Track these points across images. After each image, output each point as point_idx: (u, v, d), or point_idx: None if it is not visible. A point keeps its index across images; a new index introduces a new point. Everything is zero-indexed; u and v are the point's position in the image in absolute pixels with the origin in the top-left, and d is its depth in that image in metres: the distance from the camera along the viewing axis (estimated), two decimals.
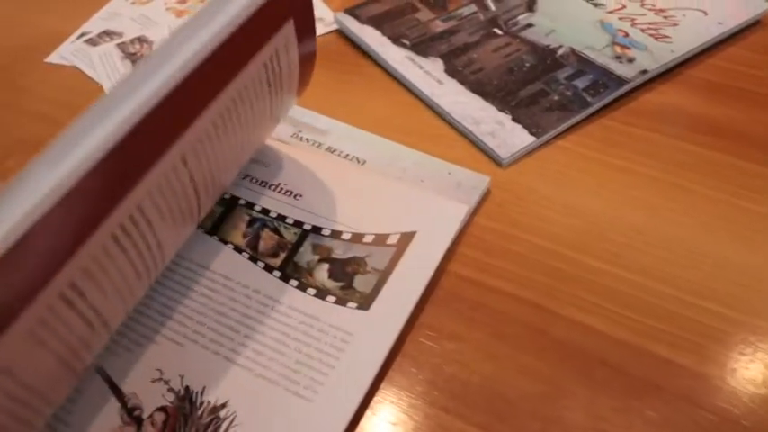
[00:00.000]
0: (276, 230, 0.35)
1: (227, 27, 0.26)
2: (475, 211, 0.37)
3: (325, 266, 0.33)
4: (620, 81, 0.42)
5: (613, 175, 0.38)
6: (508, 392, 0.29)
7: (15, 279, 0.21)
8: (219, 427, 0.28)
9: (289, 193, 0.37)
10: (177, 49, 0.25)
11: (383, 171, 0.38)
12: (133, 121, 0.23)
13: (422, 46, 0.47)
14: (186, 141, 0.27)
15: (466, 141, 0.41)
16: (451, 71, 0.44)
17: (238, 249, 0.35)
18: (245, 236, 0.35)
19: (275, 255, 0.34)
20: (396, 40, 0.47)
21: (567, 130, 0.41)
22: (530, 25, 0.47)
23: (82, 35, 0.52)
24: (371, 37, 0.48)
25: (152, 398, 0.29)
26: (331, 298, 0.32)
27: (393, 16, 0.49)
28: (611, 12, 0.48)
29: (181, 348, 0.31)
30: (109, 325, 0.27)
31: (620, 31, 0.46)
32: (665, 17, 0.47)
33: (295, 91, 0.35)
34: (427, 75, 0.44)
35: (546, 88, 0.42)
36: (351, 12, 0.50)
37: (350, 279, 0.33)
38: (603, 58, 0.44)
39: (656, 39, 0.45)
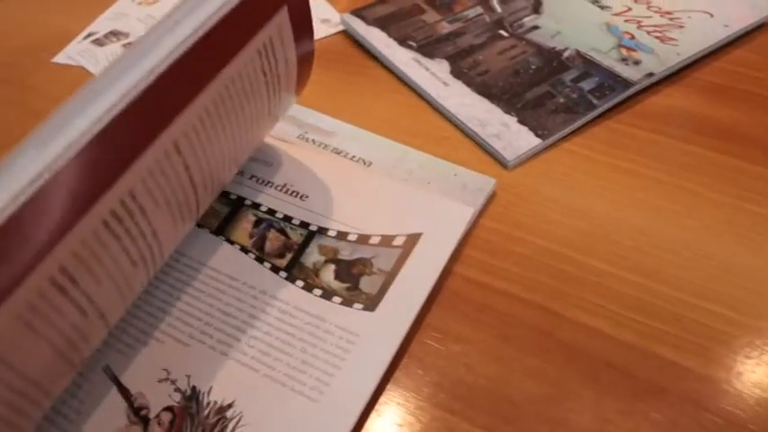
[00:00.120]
0: (282, 231, 0.35)
1: (217, 12, 0.26)
2: (480, 213, 0.37)
3: (332, 267, 0.34)
4: (626, 83, 0.42)
5: (619, 177, 0.38)
6: (514, 394, 0.29)
7: (2, 261, 0.21)
8: (226, 427, 0.28)
9: (295, 194, 0.37)
10: (167, 33, 0.25)
11: (389, 172, 0.38)
12: (122, 105, 0.23)
13: (428, 48, 0.47)
14: (178, 127, 0.26)
15: (471, 143, 0.41)
16: (457, 73, 0.44)
17: (245, 250, 0.35)
18: (251, 236, 0.35)
19: (281, 255, 0.34)
20: (402, 41, 0.47)
21: (573, 133, 0.41)
22: (535, 27, 0.48)
23: (89, 35, 0.52)
24: (378, 38, 0.48)
25: (159, 398, 0.30)
26: (337, 299, 0.32)
27: (399, 18, 0.49)
28: (617, 14, 0.48)
29: (187, 348, 0.31)
30: (105, 316, 0.27)
31: (627, 33, 0.46)
32: (672, 19, 0.47)
33: (294, 88, 0.35)
34: (433, 76, 0.44)
35: (552, 90, 0.42)
36: (357, 13, 0.50)
37: (356, 280, 0.33)
38: (609, 61, 0.44)
39: (663, 41, 0.45)
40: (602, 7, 0.49)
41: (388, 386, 0.30)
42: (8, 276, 0.21)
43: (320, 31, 0.51)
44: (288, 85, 0.34)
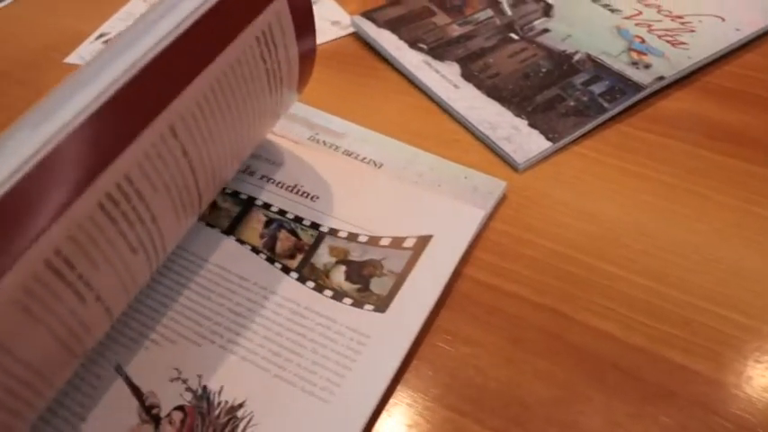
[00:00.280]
0: (293, 232, 0.36)
1: None
2: (491, 216, 0.37)
3: (342, 268, 0.34)
4: (637, 87, 0.42)
5: (629, 180, 0.38)
6: (524, 397, 0.30)
7: None
8: (237, 426, 0.29)
9: (305, 195, 0.37)
10: (163, 16, 0.26)
11: (400, 175, 0.38)
12: (116, 87, 0.24)
13: (438, 50, 0.47)
14: (174, 111, 0.27)
15: (482, 146, 0.41)
16: (468, 75, 0.45)
17: (256, 250, 0.35)
18: (261, 236, 0.35)
19: (292, 256, 0.34)
20: (412, 43, 0.47)
21: (583, 136, 0.41)
22: (546, 30, 0.48)
23: (100, 36, 0.52)
24: (388, 41, 0.48)
25: (170, 397, 0.30)
26: (348, 300, 0.32)
27: (410, 20, 0.50)
28: (627, 17, 0.48)
29: (198, 348, 0.31)
30: (106, 303, 0.27)
31: (637, 36, 0.46)
32: (682, 23, 0.47)
33: (296, 83, 0.35)
34: (443, 79, 0.45)
35: (562, 94, 0.43)
36: (368, 15, 0.50)
37: (366, 281, 0.33)
38: (620, 64, 0.44)
39: (673, 45, 0.45)
40: (612, 11, 0.49)
41: (399, 387, 0.30)
42: (0, 258, 0.21)
43: (331, 32, 0.51)
44: (290, 79, 0.34)
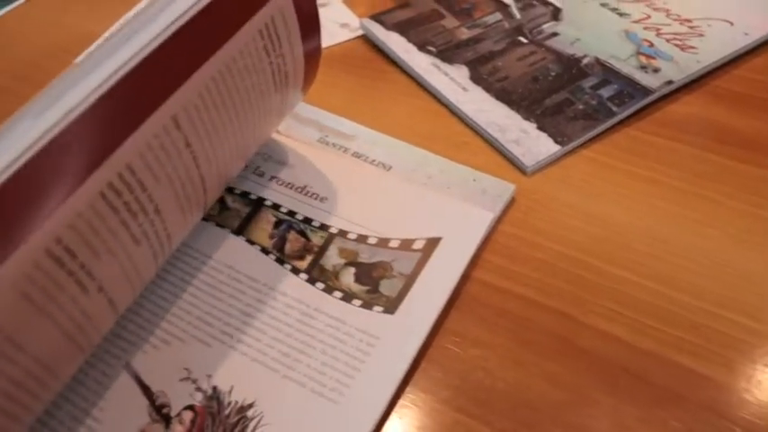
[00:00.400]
0: (302, 233, 0.36)
1: None
2: (499, 219, 0.37)
3: (352, 270, 0.34)
4: (646, 91, 0.42)
5: (637, 184, 0.38)
6: (533, 399, 0.30)
7: None
8: (247, 426, 0.29)
9: (315, 196, 0.37)
10: (165, 7, 0.26)
11: (409, 177, 0.39)
12: (117, 77, 0.24)
13: (447, 53, 0.47)
14: (177, 101, 0.27)
15: (491, 149, 0.41)
16: (477, 78, 0.45)
17: (265, 251, 0.35)
18: (271, 237, 0.36)
19: (301, 257, 0.35)
20: (421, 46, 0.48)
21: (592, 140, 0.41)
22: (555, 34, 0.48)
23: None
24: (397, 43, 0.48)
25: (180, 396, 0.30)
26: (357, 301, 0.32)
27: (419, 23, 0.50)
28: (636, 21, 0.48)
29: (208, 348, 0.31)
30: (109, 294, 0.27)
31: (646, 40, 0.46)
32: (691, 27, 0.47)
33: (301, 82, 0.35)
34: (452, 82, 0.45)
35: (571, 97, 0.43)
36: (376, 18, 0.50)
37: (376, 283, 0.33)
38: (628, 68, 0.44)
39: (682, 49, 0.45)
40: (621, 14, 0.49)
41: (408, 389, 0.30)
42: (1, 244, 0.21)
43: (339, 35, 0.51)
44: (295, 77, 0.34)
